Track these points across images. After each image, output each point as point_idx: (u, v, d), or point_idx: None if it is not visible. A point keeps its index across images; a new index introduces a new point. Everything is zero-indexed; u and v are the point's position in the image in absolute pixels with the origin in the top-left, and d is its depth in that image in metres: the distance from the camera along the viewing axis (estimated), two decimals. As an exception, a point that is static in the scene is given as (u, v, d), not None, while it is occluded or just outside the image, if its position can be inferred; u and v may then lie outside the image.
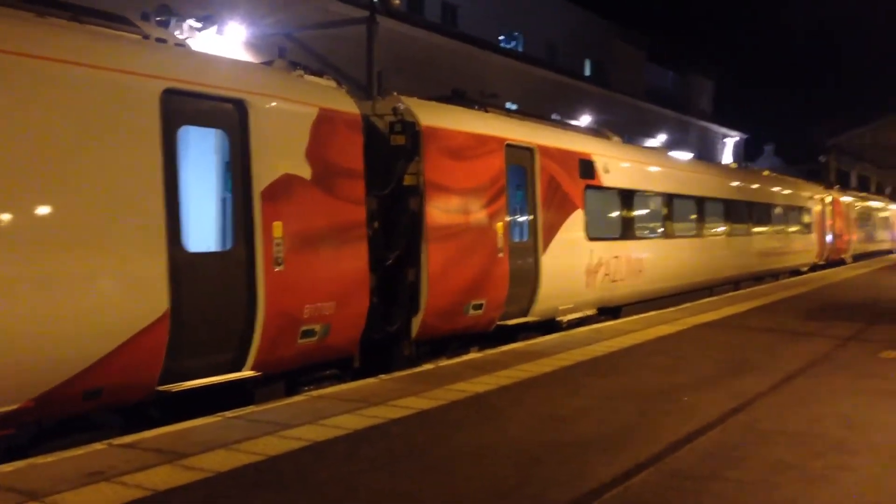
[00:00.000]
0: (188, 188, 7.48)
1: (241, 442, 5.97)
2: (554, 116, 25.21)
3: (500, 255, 11.51)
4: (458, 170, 10.97)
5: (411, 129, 10.31)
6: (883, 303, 17.13)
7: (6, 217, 5.98)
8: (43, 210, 6.23)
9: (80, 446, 5.86)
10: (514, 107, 26.65)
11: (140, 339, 6.67)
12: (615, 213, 15.52)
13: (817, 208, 29.52)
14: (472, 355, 10.52)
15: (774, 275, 24.64)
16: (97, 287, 6.52)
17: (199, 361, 7.41)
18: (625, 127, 25.31)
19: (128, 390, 6.86)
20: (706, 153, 51.45)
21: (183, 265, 7.12)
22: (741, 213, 22.11)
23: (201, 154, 7.95)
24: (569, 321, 13.29)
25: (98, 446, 5.85)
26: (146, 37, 7.55)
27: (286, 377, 8.60)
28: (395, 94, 10.87)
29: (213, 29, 9.86)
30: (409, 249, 10.23)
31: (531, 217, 12.53)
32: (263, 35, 12.19)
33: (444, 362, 9.92)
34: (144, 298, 6.78)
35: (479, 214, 11.23)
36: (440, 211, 10.54)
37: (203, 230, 7.86)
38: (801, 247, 27.78)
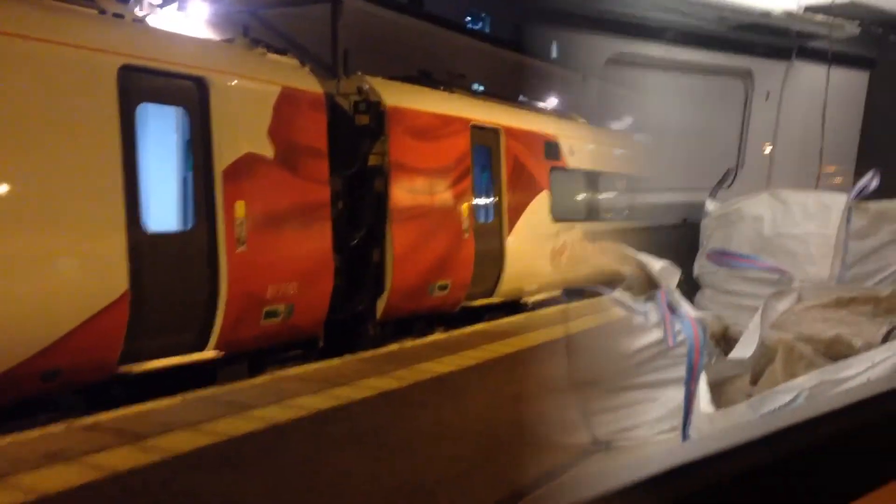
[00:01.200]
0: (147, 167, 7.37)
1: (203, 422, 5.92)
2: (521, 98, 25.21)
3: (466, 235, 11.50)
4: (423, 150, 10.92)
5: (376, 109, 10.23)
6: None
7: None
8: (-3, 189, 6.11)
9: (38, 427, 5.79)
10: (481, 88, 26.57)
11: (99, 320, 6.58)
12: (581, 195, 15.56)
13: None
14: (437, 336, 10.51)
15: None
16: (54, 267, 6.42)
17: (161, 342, 7.34)
18: (592, 109, 25.33)
19: (87, 371, 6.78)
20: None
21: (142, 245, 7.03)
22: None
23: (161, 132, 7.83)
24: (534, 302, 13.34)
25: (57, 427, 5.77)
26: (102, 12, 7.40)
27: (250, 357, 8.55)
28: (360, 73, 10.78)
29: (175, 5, 9.69)
30: (374, 230, 10.18)
31: (497, 198, 12.53)
32: (226, 12, 11.98)
33: (408, 342, 9.90)
34: (103, 279, 6.69)
35: (444, 195, 11.21)
36: (405, 191, 10.49)
37: (163, 210, 7.76)
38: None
